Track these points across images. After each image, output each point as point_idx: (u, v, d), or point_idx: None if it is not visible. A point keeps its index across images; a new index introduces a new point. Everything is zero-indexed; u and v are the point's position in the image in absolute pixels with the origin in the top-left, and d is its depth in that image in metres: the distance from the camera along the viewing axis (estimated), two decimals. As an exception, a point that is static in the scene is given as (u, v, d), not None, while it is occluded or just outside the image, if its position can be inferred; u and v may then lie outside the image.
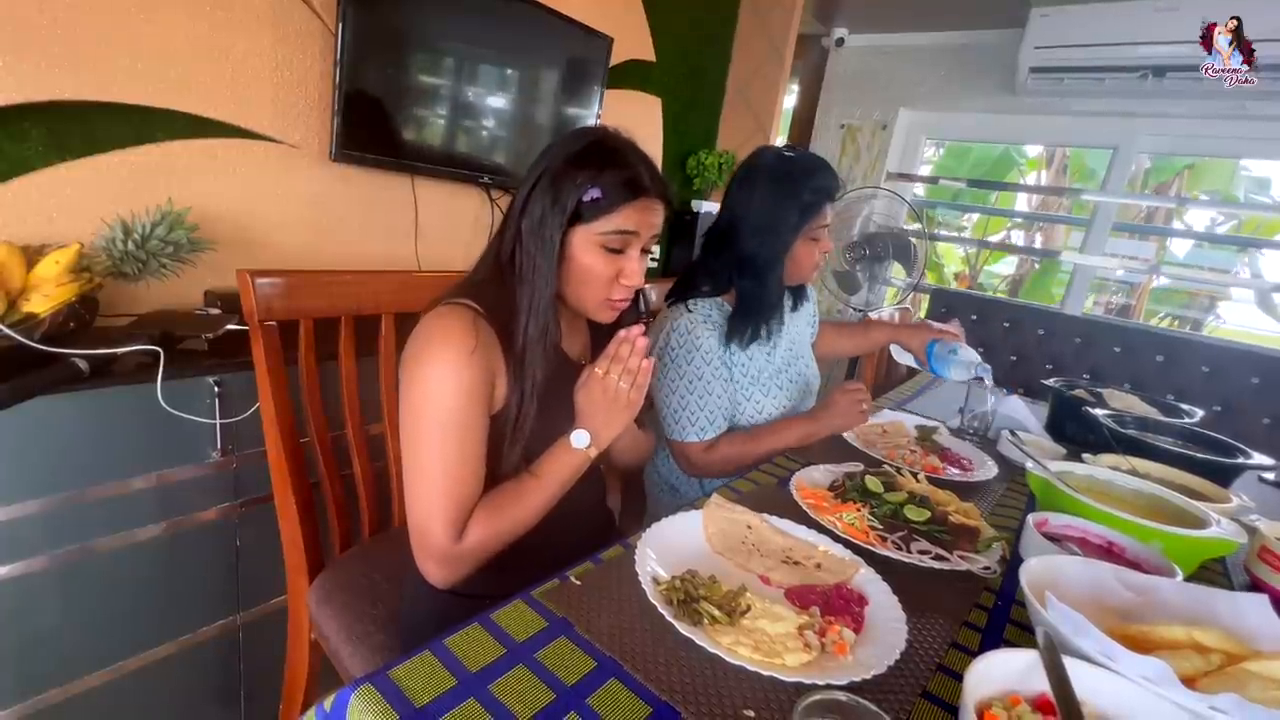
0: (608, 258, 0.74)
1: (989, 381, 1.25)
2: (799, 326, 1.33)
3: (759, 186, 1.10)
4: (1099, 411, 1.25)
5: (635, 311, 0.85)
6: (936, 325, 1.34)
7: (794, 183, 1.08)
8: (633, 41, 2.20)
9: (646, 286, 0.83)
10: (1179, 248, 4.77)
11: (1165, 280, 4.45)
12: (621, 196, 0.72)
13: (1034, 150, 4.81)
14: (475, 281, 0.77)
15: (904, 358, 1.43)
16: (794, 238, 1.10)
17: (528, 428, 0.73)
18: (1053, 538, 0.77)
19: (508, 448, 0.74)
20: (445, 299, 0.74)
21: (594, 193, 0.71)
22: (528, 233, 0.73)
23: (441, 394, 0.68)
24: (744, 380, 1.17)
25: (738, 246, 1.12)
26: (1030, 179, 4.95)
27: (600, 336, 0.87)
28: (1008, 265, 5.43)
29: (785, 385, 1.23)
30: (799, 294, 1.30)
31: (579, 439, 0.75)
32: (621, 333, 0.75)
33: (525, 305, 0.73)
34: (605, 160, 0.72)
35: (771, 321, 1.17)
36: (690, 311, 1.12)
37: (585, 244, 0.73)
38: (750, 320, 1.12)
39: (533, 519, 0.74)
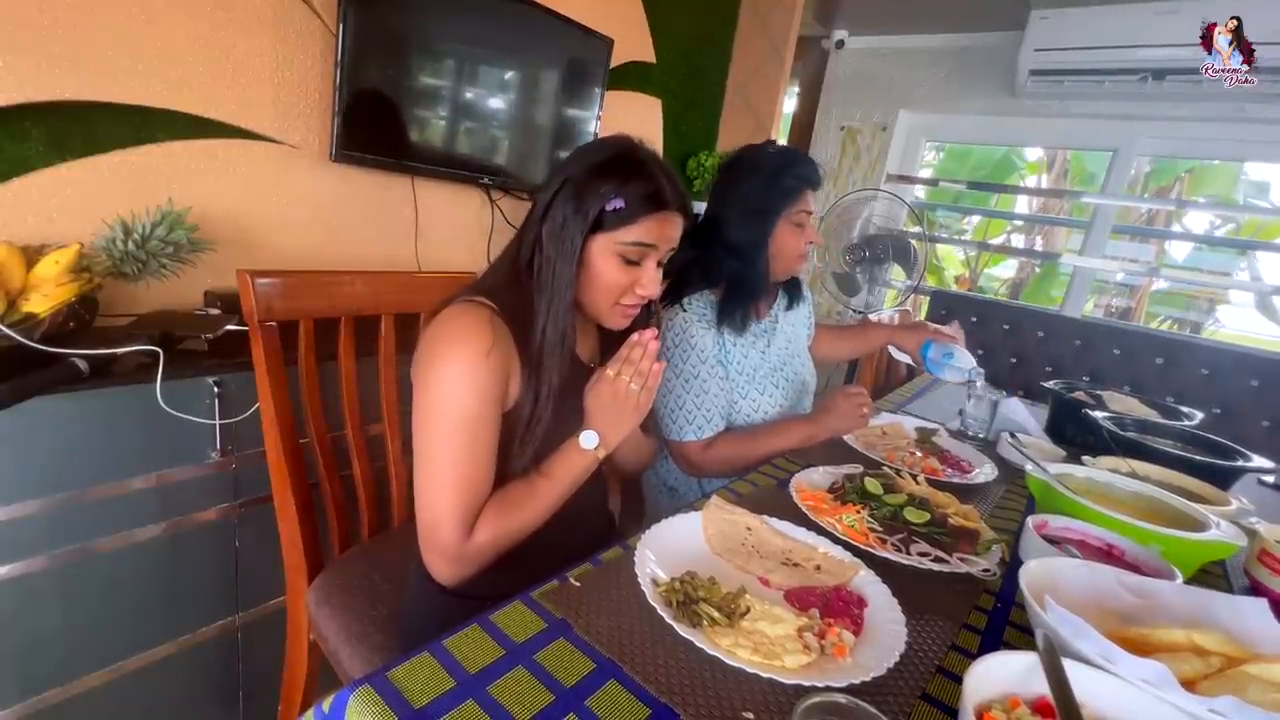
0: (625, 267, 0.75)
1: (980, 384, 1.26)
2: (795, 326, 1.33)
3: (742, 176, 1.14)
4: (1098, 414, 1.25)
5: (646, 316, 0.86)
6: (934, 326, 1.35)
7: (775, 169, 1.12)
8: (633, 43, 2.20)
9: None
10: (1179, 251, 4.77)
11: (1165, 283, 4.45)
12: (643, 208, 0.73)
13: (1035, 154, 4.81)
14: (492, 283, 0.77)
15: (902, 356, 1.44)
16: (777, 220, 1.12)
17: (541, 430, 0.74)
18: (1052, 540, 0.77)
19: (519, 449, 0.74)
20: (461, 297, 0.74)
21: (617, 203, 0.72)
22: (548, 238, 0.74)
23: (457, 393, 0.68)
24: (740, 378, 1.18)
25: (724, 234, 1.14)
26: (1030, 182, 4.95)
27: (609, 339, 0.88)
28: (1008, 268, 5.43)
29: (781, 384, 1.23)
30: (794, 293, 1.30)
31: (588, 439, 0.75)
32: (634, 336, 0.75)
33: (544, 310, 0.73)
34: (630, 171, 0.73)
35: (759, 303, 1.18)
36: (685, 310, 1.13)
37: (604, 252, 0.74)
38: (740, 304, 1.14)
39: (541, 519, 0.74)
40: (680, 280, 1.19)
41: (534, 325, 0.73)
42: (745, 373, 1.19)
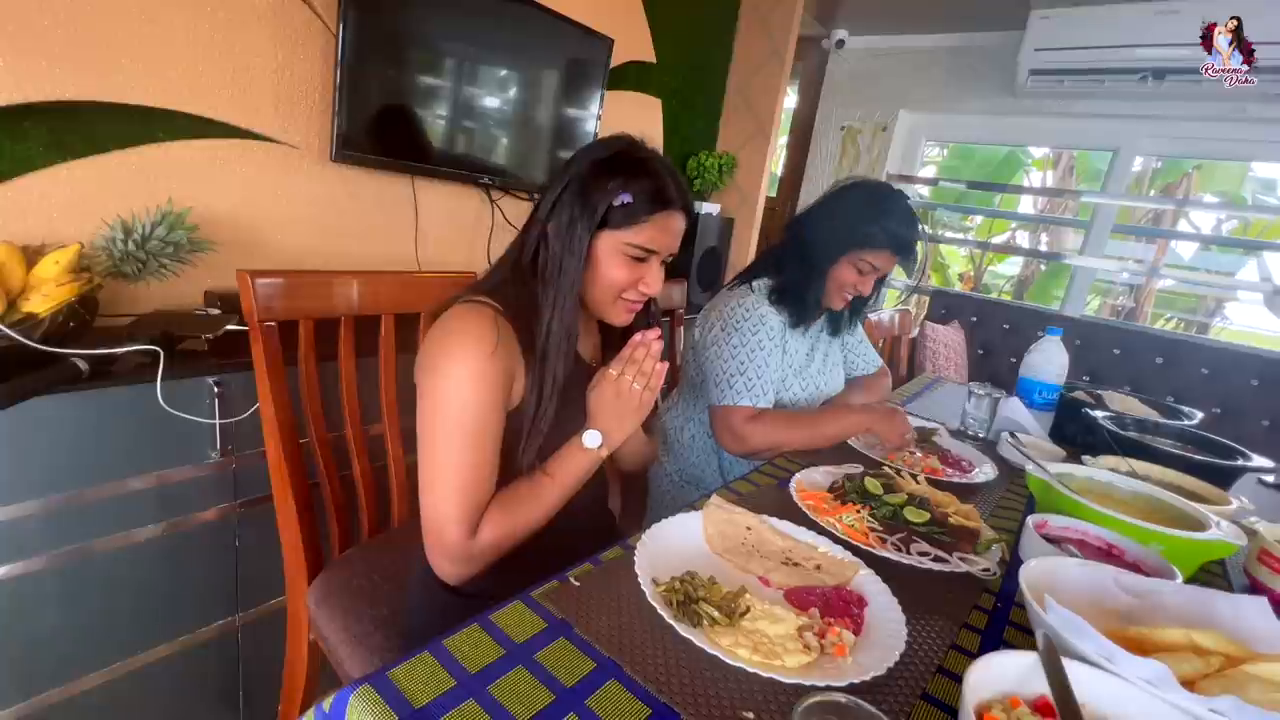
0: (630, 265, 0.76)
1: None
2: (832, 353, 1.37)
3: (851, 197, 1.17)
4: (1098, 413, 1.25)
5: (646, 315, 0.86)
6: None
7: (876, 210, 1.13)
8: (633, 43, 2.20)
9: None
10: (1186, 250, 4.75)
11: (1170, 283, 4.43)
12: (649, 207, 0.73)
13: (1040, 150, 4.80)
14: (494, 281, 0.77)
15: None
16: (845, 251, 1.15)
17: (545, 427, 0.74)
18: (1052, 540, 0.77)
19: (524, 446, 0.74)
20: (463, 297, 0.74)
21: (625, 198, 0.72)
22: (554, 235, 0.74)
23: (461, 393, 0.68)
24: (789, 369, 1.23)
25: (803, 234, 1.18)
26: (1036, 179, 4.93)
27: (610, 338, 0.88)
28: (1013, 266, 5.43)
29: (818, 385, 1.28)
30: (836, 323, 1.33)
31: (591, 439, 0.75)
32: (637, 336, 0.76)
33: (549, 306, 0.73)
34: (635, 168, 0.74)
35: (808, 313, 1.21)
36: (754, 292, 1.18)
37: (610, 250, 0.75)
38: (787, 302, 1.19)
39: (544, 518, 0.75)
40: (753, 267, 1.26)
41: (539, 322, 0.73)
42: (795, 366, 1.24)
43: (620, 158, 0.75)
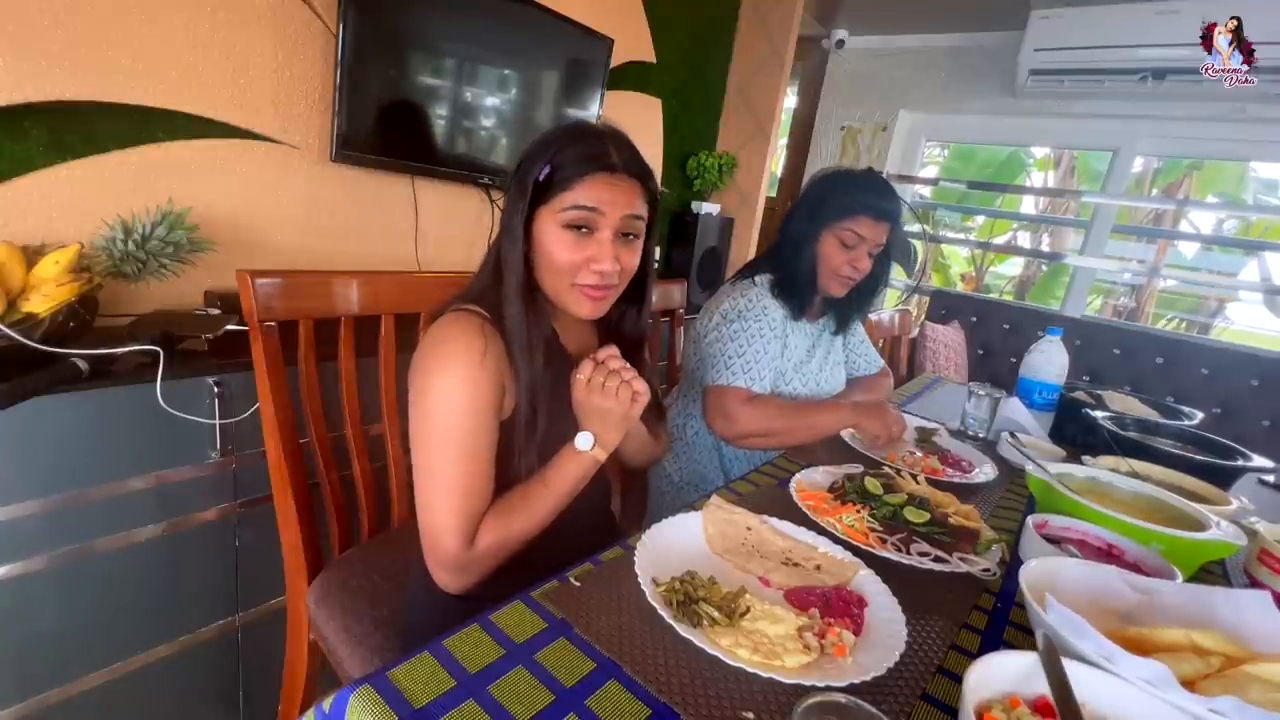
0: (575, 240, 0.71)
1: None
2: (836, 352, 1.38)
3: (828, 179, 1.22)
4: (1098, 414, 1.25)
5: (638, 312, 0.84)
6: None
7: (849, 184, 1.18)
8: (633, 43, 2.20)
9: (653, 292, 0.83)
10: (1188, 250, 4.74)
11: (1172, 283, 4.43)
12: (579, 170, 0.69)
13: (1042, 150, 4.79)
14: (480, 285, 0.76)
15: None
16: (823, 226, 1.17)
17: (538, 433, 0.73)
18: (1052, 540, 0.77)
19: (520, 452, 0.73)
20: (452, 304, 0.74)
21: (546, 169, 0.69)
22: (503, 225, 0.73)
23: (452, 403, 0.67)
24: (789, 363, 1.24)
25: (788, 225, 1.23)
26: (1038, 179, 4.93)
27: (606, 339, 0.87)
28: (1014, 266, 5.43)
29: (819, 383, 1.29)
30: (841, 320, 1.34)
31: (583, 441, 0.74)
32: (601, 353, 0.74)
33: (507, 301, 0.72)
34: (567, 140, 0.71)
35: (808, 299, 1.23)
36: (756, 285, 1.21)
37: (548, 225, 0.71)
38: (785, 289, 1.21)
39: (543, 523, 0.74)
40: (753, 264, 1.29)
41: (503, 320, 0.72)
42: (794, 361, 1.25)
43: (558, 131, 0.72)
